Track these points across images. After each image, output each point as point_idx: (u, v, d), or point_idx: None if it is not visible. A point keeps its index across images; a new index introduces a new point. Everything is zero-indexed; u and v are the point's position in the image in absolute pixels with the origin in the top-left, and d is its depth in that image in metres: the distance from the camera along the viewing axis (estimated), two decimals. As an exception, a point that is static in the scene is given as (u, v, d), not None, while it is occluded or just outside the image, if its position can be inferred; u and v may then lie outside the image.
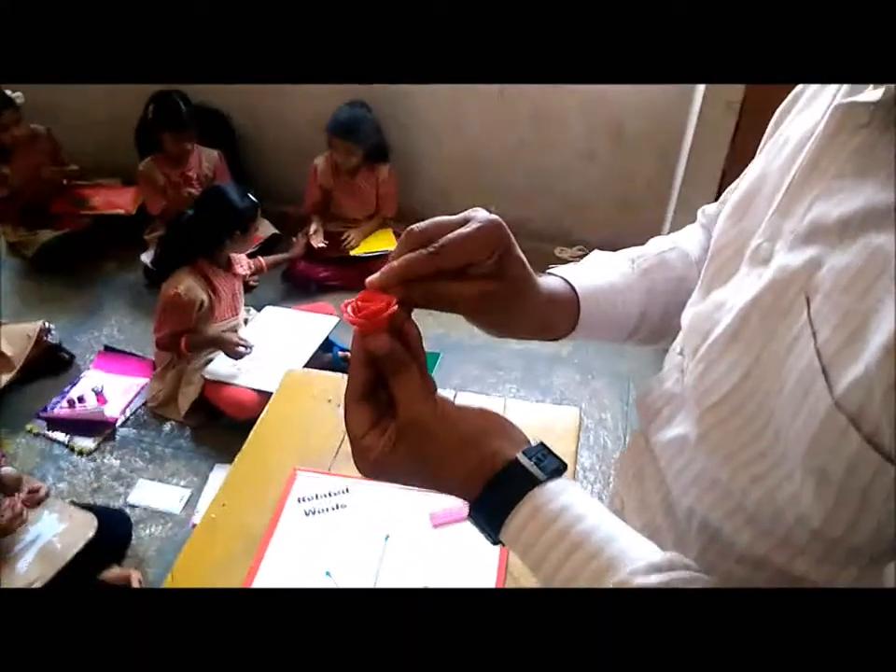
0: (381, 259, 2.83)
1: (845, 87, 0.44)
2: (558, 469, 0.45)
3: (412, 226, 0.46)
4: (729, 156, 2.19)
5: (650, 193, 2.86)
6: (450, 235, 0.46)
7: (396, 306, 0.45)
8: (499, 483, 0.44)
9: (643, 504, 0.58)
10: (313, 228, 2.87)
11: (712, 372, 0.48)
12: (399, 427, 0.45)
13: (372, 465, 0.46)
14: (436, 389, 0.48)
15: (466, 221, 0.47)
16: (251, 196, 2.26)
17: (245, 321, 2.45)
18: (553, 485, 0.44)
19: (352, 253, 2.84)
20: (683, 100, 2.54)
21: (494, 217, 0.47)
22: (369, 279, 0.46)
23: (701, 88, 2.21)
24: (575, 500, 0.44)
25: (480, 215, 0.47)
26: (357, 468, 0.48)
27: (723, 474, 0.47)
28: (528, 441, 0.48)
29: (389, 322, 0.45)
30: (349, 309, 0.45)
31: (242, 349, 2.22)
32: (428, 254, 0.45)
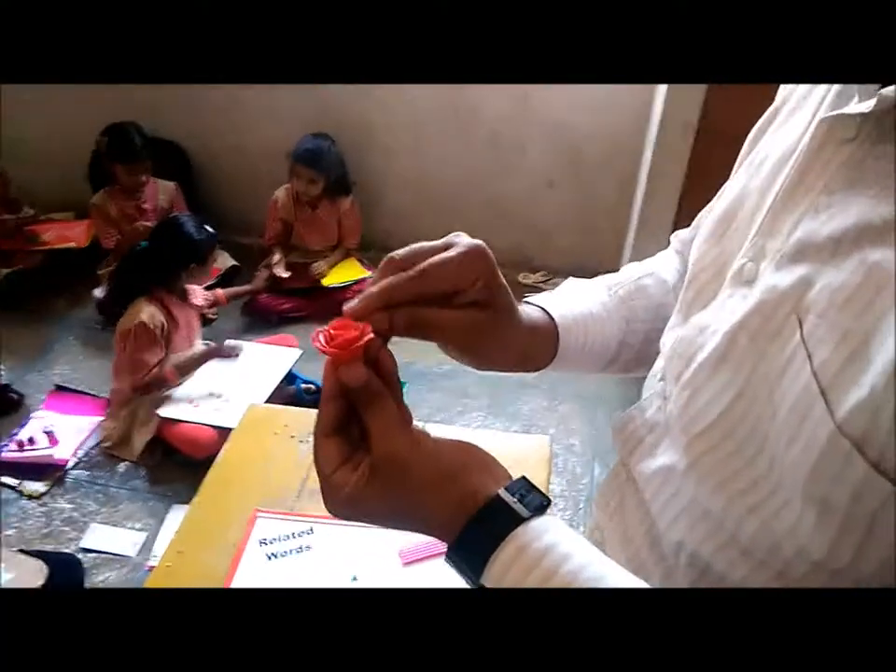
0: (346, 289, 2.81)
1: (827, 100, 0.43)
2: (542, 505, 0.43)
3: (392, 253, 0.45)
4: (687, 178, 2.22)
5: (610, 218, 2.88)
6: (432, 259, 0.44)
7: (371, 335, 0.43)
8: (481, 520, 0.42)
9: (626, 537, 0.55)
10: (275, 258, 2.82)
11: (699, 398, 0.45)
12: (372, 462, 0.43)
13: (344, 503, 0.43)
14: (411, 421, 0.46)
15: (448, 246, 0.45)
16: (209, 228, 2.21)
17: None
18: (538, 523, 0.42)
19: (323, 283, 2.81)
20: (640, 123, 2.58)
21: (478, 242, 0.46)
22: (346, 306, 0.44)
23: (658, 110, 2.25)
24: (561, 538, 0.41)
25: (463, 240, 0.46)
26: (328, 507, 0.45)
27: (715, 505, 0.44)
28: (510, 477, 0.45)
29: (364, 351, 0.43)
30: (321, 338, 0.43)
31: (232, 348, 2.19)
32: (409, 278, 0.44)
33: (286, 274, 2.79)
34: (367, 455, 0.43)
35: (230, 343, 2.27)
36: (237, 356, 2.25)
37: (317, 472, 0.44)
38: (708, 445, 0.44)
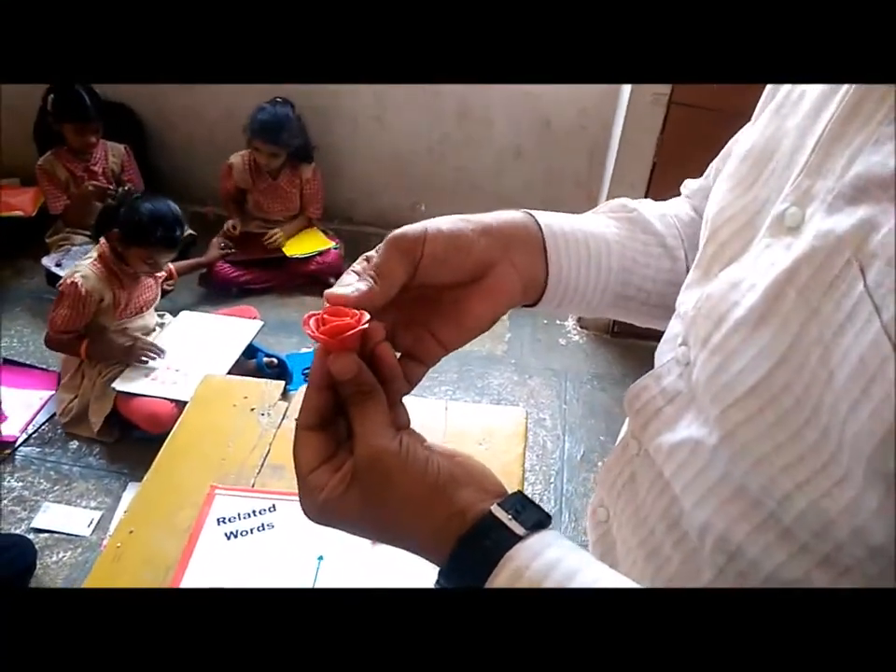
0: (310, 259, 2.73)
1: None
2: (541, 521, 0.39)
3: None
4: (658, 150, 2.18)
5: (579, 190, 2.84)
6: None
7: (366, 325, 0.39)
8: (473, 541, 0.38)
9: (637, 517, 0.50)
10: (229, 223, 2.73)
11: (733, 363, 0.40)
12: (355, 465, 0.40)
13: (320, 507, 0.40)
14: (408, 423, 0.43)
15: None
16: (164, 230, 2.05)
17: (161, 326, 2.28)
18: (536, 540, 0.38)
19: (286, 253, 2.72)
20: (611, 94, 2.53)
21: (390, 235, 0.45)
22: (328, 291, 0.41)
23: (629, 81, 2.20)
24: (563, 555, 0.37)
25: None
26: (303, 509, 0.41)
27: (753, 482, 0.39)
28: (505, 491, 0.41)
29: (359, 341, 0.40)
30: (311, 323, 0.39)
31: (151, 355, 2.08)
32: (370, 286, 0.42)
33: (233, 231, 2.71)
34: (350, 456, 0.40)
35: (145, 348, 2.13)
36: (152, 358, 2.12)
37: (295, 469, 0.41)
38: (745, 416, 0.39)
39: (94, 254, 2.09)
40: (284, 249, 2.73)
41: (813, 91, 0.41)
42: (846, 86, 0.37)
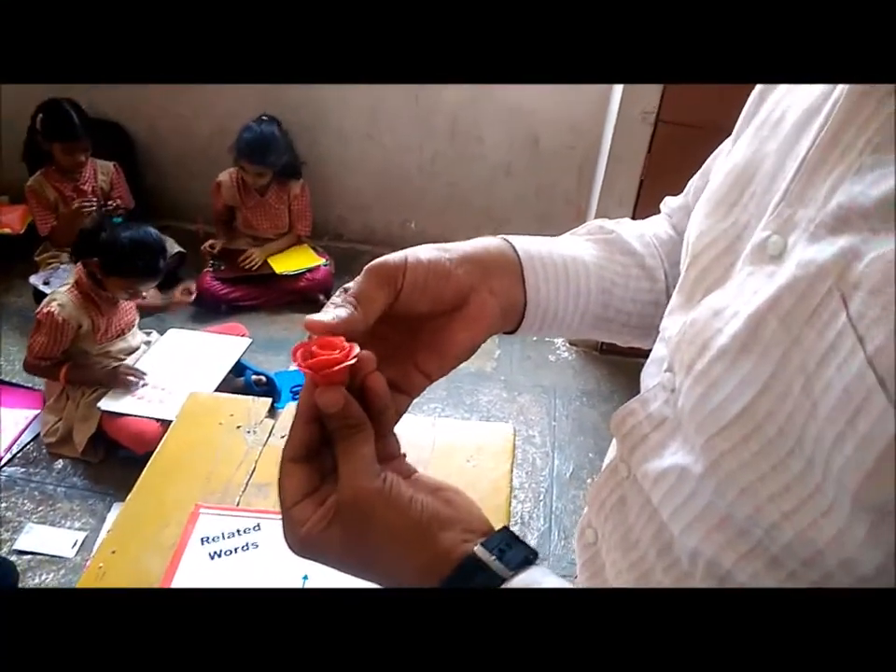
0: (299, 276, 2.72)
1: None
2: (527, 559, 0.39)
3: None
4: (646, 167, 2.20)
5: (569, 207, 2.86)
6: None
7: (355, 359, 0.38)
8: (457, 584, 0.38)
9: (627, 540, 0.49)
10: (207, 243, 2.74)
11: (717, 391, 0.39)
12: (338, 503, 0.39)
13: (301, 541, 0.39)
14: (398, 455, 0.43)
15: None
16: (146, 261, 2.02)
17: (148, 344, 2.27)
18: (521, 580, 0.37)
19: (276, 270, 2.72)
20: (599, 112, 2.55)
21: (368, 267, 0.44)
22: (309, 318, 0.40)
23: (616, 99, 2.22)
24: None
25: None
26: (286, 541, 0.40)
27: (740, 511, 0.39)
28: (491, 529, 0.41)
29: (347, 375, 0.39)
30: (299, 354, 0.39)
31: (132, 379, 2.06)
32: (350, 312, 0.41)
33: (210, 248, 2.72)
34: (335, 490, 0.40)
35: (126, 373, 2.10)
36: (136, 385, 2.10)
37: (279, 501, 0.41)
38: (730, 445, 0.39)
39: (71, 280, 2.06)
40: (273, 266, 2.73)
41: (793, 113, 0.41)
42: (825, 111, 0.37)
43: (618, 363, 2.56)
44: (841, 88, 0.36)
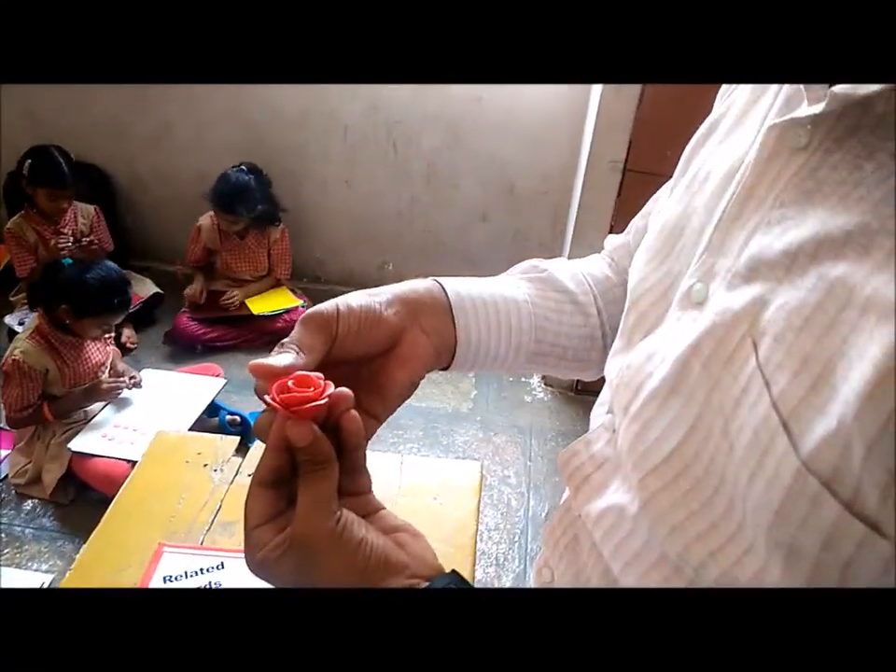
0: (276, 317, 2.74)
1: (775, 108, 0.40)
2: None
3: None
4: (615, 212, 2.26)
5: (543, 250, 2.91)
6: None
7: (326, 399, 0.40)
8: None
9: (579, 579, 0.50)
10: (191, 289, 2.75)
11: (650, 431, 0.41)
12: (291, 537, 0.40)
13: (257, 564, 0.41)
14: (366, 492, 0.44)
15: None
16: (120, 297, 2.04)
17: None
18: None
19: (253, 311, 2.73)
20: (571, 160, 2.63)
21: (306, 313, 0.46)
22: (253, 363, 0.41)
23: (586, 149, 2.29)
24: None
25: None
26: (245, 559, 0.42)
27: (672, 549, 0.40)
28: (440, 573, 0.42)
29: (318, 412, 0.40)
30: (274, 388, 0.40)
31: (117, 384, 2.07)
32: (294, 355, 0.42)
33: (200, 301, 2.73)
34: None
35: (112, 382, 2.13)
36: (132, 387, 2.13)
37: (244, 521, 0.42)
38: (662, 484, 0.40)
39: (32, 326, 2.05)
40: (250, 307, 2.74)
41: (718, 171, 0.44)
42: (742, 168, 0.40)
43: (593, 403, 2.56)
44: (755, 148, 0.39)
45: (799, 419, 0.31)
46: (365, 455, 0.44)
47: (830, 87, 0.34)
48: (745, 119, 0.45)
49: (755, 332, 0.35)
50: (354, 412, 0.42)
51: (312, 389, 0.39)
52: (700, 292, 0.41)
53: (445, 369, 0.54)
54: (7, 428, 2.26)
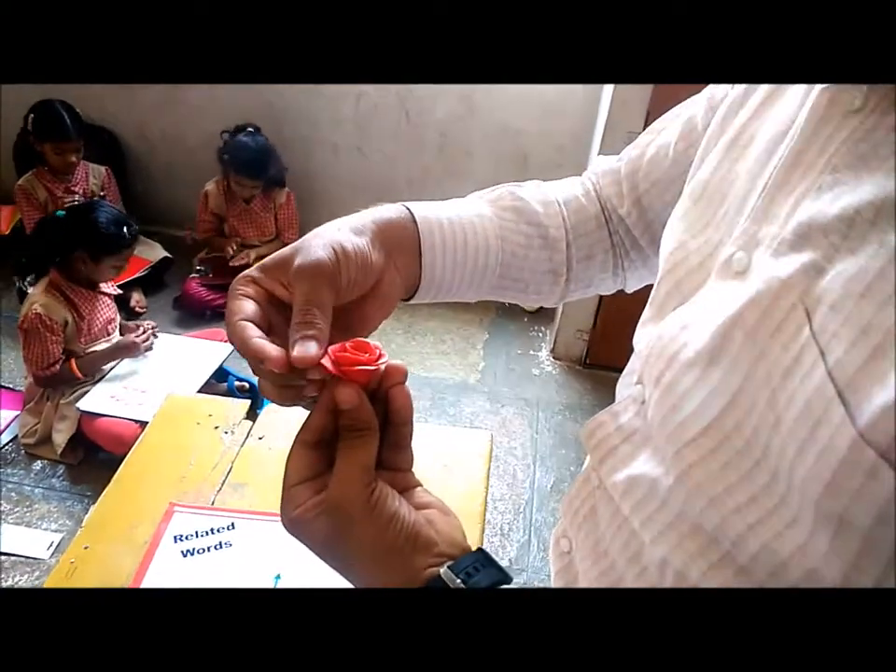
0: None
1: None
2: (497, 582, 0.39)
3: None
4: (630, 185, 2.24)
5: (554, 223, 2.88)
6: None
7: (377, 367, 0.40)
8: None
9: (598, 549, 0.50)
10: (229, 252, 2.73)
11: (686, 403, 0.40)
12: (327, 500, 0.40)
13: (291, 521, 0.41)
14: (406, 470, 0.44)
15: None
16: (130, 226, 2.05)
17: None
18: None
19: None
20: (586, 129, 2.59)
21: (295, 267, 0.44)
22: (296, 357, 0.40)
23: (602, 118, 2.26)
24: None
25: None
26: (280, 516, 0.42)
27: (708, 521, 0.39)
28: (467, 552, 0.41)
29: (367, 378, 0.40)
30: (330, 350, 0.40)
31: (144, 338, 2.11)
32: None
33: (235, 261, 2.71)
34: None
35: (137, 334, 2.15)
36: (150, 349, 2.15)
37: (283, 478, 0.42)
38: (698, 456, 0.39)
39: (43, 284, 2.04)
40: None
41: (762, 137, 0.43)
42: (791, 133, 0.39)
43: (601, 377, 2.57)
44: (804, 112, 0.38)
45: (856, 389, 0.31)
46: (412, 431, 0.44)
47: None
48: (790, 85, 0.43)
49: (808, 300, 0.34)
50: (406, 386, 0.42)
51: (366, 355, 0.40)
52: (742, 261, 0.39)
53: (406, 300, 0.55)
54: (10, 387, 2.27)
